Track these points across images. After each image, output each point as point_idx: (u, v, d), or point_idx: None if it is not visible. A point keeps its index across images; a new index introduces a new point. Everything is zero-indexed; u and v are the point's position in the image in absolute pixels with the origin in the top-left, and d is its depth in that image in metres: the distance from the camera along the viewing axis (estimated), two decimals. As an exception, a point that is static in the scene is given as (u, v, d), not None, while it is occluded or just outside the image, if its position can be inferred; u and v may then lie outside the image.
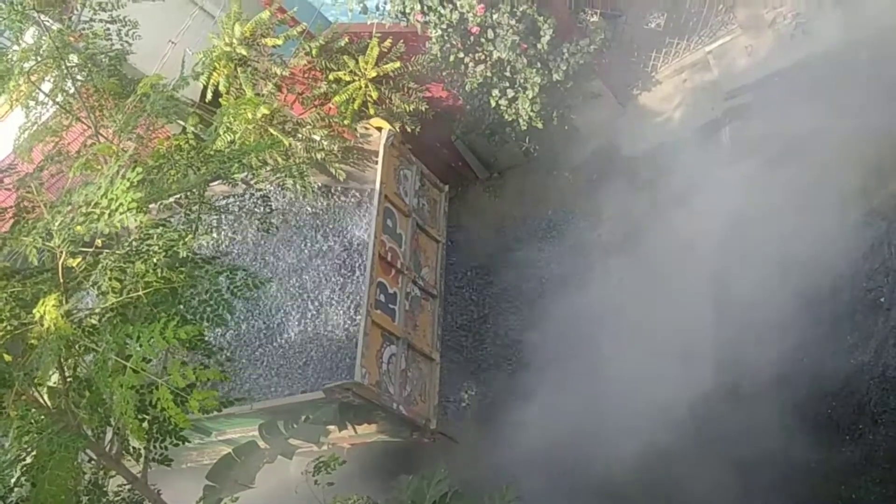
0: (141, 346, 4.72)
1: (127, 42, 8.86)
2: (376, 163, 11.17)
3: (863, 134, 9.54)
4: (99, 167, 6.07)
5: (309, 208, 11.90)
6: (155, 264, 5.00)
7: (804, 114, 10.33)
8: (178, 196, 7.17)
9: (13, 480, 5.46)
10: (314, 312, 10.85)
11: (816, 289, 8.86)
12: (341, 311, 10.74)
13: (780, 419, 8.42)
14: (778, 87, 11.09)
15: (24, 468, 5.44)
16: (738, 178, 10.36)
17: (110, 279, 4.90)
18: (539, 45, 10.92)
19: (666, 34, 12.19)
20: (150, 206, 7.00)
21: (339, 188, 11.97)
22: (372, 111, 11.20)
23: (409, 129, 11.58)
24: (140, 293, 5.00)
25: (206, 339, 5.92)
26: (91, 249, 5.08)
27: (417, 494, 7.37)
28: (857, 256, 9.05)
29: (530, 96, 11.18)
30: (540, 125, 11.50)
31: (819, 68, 10.54)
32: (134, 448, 5.95)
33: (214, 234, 10.68)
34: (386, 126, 11.09)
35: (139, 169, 4.88)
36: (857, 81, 9.84)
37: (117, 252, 5.10)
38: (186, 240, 5.20)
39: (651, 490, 8.59)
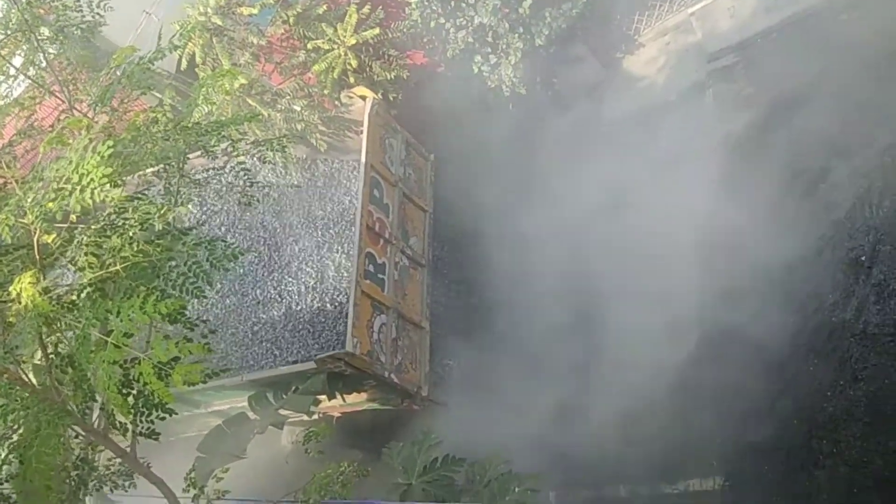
0: (122, 321, 4.69)
1: (99, 13, 8.67)
2: (359, 133, 11.04)
3: (845, 94, 9.53)
4: (71, 142, 5.96)
5: (292, 180, 11.79)
6: (131, 238, 4.94)
7: (787, 74, 10.32)
8: (156, 169, 7.09)
9: (1, 458, 5.47)
10: (303, 283, 10.84)
11: (799, 249, 8.93)
12: (330, 282, 10.73)
13: (764, 378, 8.56)
14: (761, 47, 11.04)
15: (11, 446, 5.44)
16: (722, 140, 10.36)
17: (86, 255, 4.84)
18: (521, 10, 10.77)
19: (650, -4, 12.06)
20: (128, 178, 6.89)
21: (321, 159, 11.85)
22: (352, 80, 11.06)
23: (390, 98, 11.44)
24: (118, 268, 4.94)
25: (192, 311, 5.87)
26: (66, 225, 5.01)
27: (408, 461, 7.45)
28: (840, 216, 9.09)
29: (513, 62, 11.07)
30: (523, 91, 11.41)
31: (801, 29, 10.49)
32: (120, 423, 5.95)
33: (191, 207, 10.58)
34: (370, 94, 10.94)
35: (110, 142, 4.79)
36: (839, 42, 9.79)
37: (93, 227, 5.03)
38: (163, 212, 5.14)
39: (639, 449, 8.73)
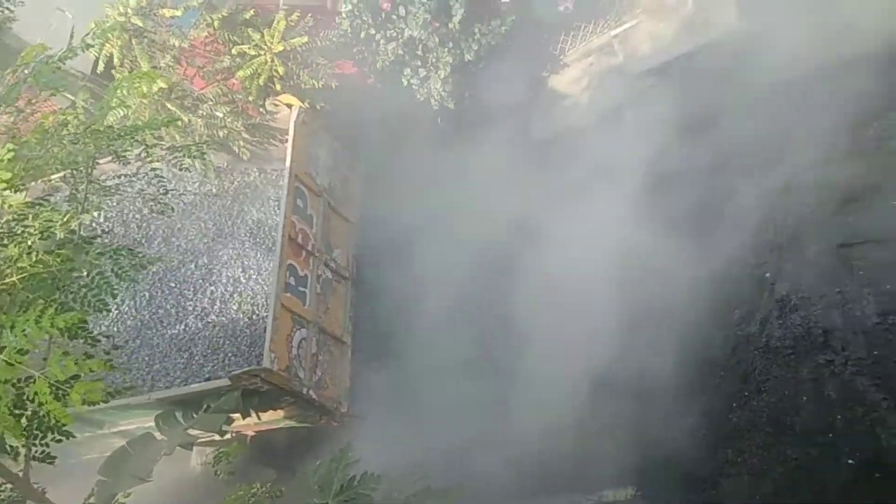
0: (16, 336, 4.40)
1: (8, 9, 8.25)
2: (284, 141, 10.86)
3: (759, 116, 10.06)
4: (-33, 144, 5.58)
5: (212, 189, 11.46)
6: (30, 247, 4.66)
7: (703, 98, 10.81)
8: (63, 174, 6.73)
9: None
10: (220, 296, 10.51)
11: (708, 266, 9.32)
12: (249, 295, 10.45)
13: (673, 391, 8.85)
14: (680, 70, 11.54)
15: None
16: (638, 161, 10.73)
17: (-22, 265, 4.54)
18: (451, 25, 10.90)
19: (575, 17, 12.42)
20: (31, 184, 6.50)
21: (244, 168, 11.58)
22: (278, 87, 10.87)
23: (317, 107, 11.31)
24: (14, 279, 4.65)
25: (101, 326, 5.52)
26: (-43, 233, 4.68)
27: (325, 480, 7.28)
28: (746, 235, 9.55)
29: (442, 76, 11.18)
30: (451, 105, 11.53)
31: (720, 53, 11.02)
32: (11, 447, 5.55)
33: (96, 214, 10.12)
34: (296, 103, 10.78)
35: (10, 145, 4.53)
36: (756, 66, 10.33)
37: (-14, 235, 4.73)
38: (66, 220, 4.87)
39: (557, 461, 8.86)
